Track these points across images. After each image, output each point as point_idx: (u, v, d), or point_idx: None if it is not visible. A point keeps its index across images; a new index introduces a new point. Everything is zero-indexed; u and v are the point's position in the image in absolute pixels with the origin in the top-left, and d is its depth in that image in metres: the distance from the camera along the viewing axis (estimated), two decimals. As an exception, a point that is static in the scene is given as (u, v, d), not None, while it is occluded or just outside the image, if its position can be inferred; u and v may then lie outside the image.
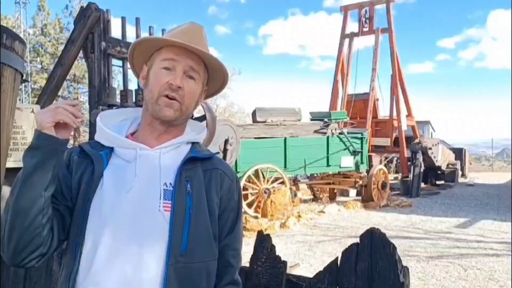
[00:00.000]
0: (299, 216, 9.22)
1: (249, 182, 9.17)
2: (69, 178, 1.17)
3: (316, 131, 11.27)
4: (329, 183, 12.46)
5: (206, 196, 1.19)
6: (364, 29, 17.16)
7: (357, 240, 1.55)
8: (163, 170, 1.17)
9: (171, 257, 1.10)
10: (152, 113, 1.20)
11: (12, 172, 3.01)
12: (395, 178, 16.15)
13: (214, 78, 1.30)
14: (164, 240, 1.11)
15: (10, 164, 2.84)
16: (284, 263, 1.71)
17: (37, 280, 2.30)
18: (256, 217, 8.83)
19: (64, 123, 1.07)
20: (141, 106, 1.27)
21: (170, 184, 1.16)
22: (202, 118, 4.86)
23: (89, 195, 1.12)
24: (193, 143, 1.28)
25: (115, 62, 4.82)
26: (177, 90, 1.17)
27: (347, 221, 9.25)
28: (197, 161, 1.22)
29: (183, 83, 1.18)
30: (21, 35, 15.71)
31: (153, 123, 1.21)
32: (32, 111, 3.04)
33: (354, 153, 11.66)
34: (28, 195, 1.03)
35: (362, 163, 11.90)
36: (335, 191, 12.83)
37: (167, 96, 1.17)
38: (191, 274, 1.13)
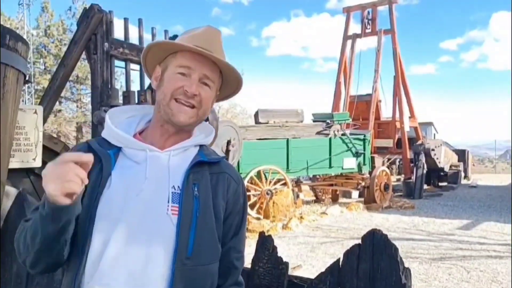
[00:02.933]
0: (301, 217, 9.23)
1: (252, 183, 9.17)
2: None
3: (318, 133, 11.27)
4: (331, 185, 12.44)
5: (213, 200, 1.19)
6: (367, 31, 17.14)
7: (360, 241, 1.55)
8: (172, 173, 1.17)
9: (178, 260, 1.10)
10: (164, 116, 1.19)
11: (15, 172, 3.03)
12: (398, 180, 16.10)
13: (228, 84, 1.29)
14: (171, 243, 1.11)
15: (13, 164, 2.86)
16: (286, 264, 1.71)
17: (39, 281, 2.30)
18: (258, 219, 8.84)
19: None
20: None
21: (178, 187, 1.16)
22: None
23: (96, 195, 1.11)
24: (201, 145, 1.28)
25: (118, 63, 4.83)
26: (192, 97, 1.17)
27: (350, 223, 9.24)
28: (204, 164, 1.22)
29: (199, 90, 1.18)
30: (25, 36, 15.78)
31: (164, 125, 1.21)
32: (35, 112, 3.05)
33: (356, 154, 11.64)
34: (50, 248, 1.05)
35: (364, 164, 11.89)
36: (338, 192, 12.82)
37: (179, 101, 1.17)
38: (197, 276, 1.14)
